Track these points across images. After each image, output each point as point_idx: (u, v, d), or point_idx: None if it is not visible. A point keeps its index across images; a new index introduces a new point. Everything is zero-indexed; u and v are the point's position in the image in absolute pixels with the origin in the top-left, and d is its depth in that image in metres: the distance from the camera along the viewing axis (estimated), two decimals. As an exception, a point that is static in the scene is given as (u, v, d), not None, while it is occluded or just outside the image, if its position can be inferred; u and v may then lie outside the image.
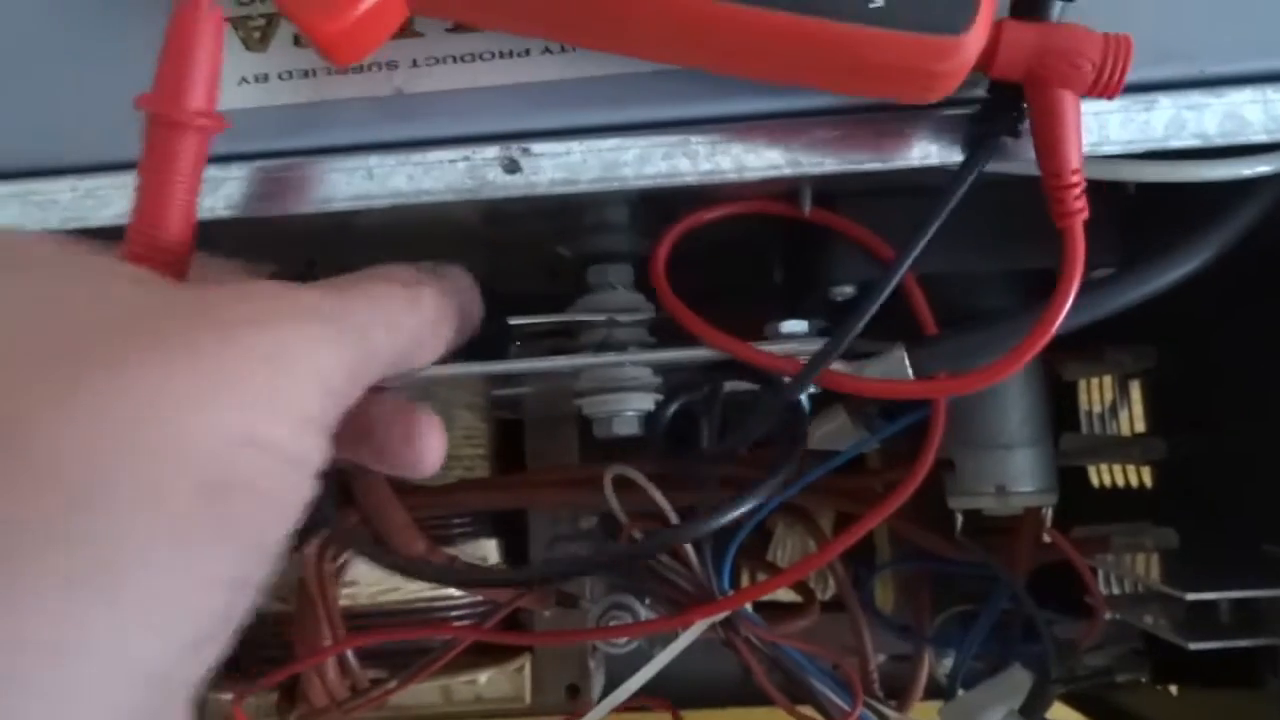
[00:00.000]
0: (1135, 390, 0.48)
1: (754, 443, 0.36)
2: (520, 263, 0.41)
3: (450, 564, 0.42)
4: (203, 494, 0.17)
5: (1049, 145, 0.23)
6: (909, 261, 0.25)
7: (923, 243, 0.24)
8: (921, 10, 0.21)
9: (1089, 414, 0.50)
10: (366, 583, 0.43)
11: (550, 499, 0.43)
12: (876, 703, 0.36)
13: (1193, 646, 0.30)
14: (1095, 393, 0.51)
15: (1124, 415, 0.49)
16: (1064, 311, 0.23)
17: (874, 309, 0.25)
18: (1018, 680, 0.33)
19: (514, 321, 0.33)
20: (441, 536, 0.44)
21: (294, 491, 0.19)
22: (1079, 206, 0.23)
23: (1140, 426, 0.46)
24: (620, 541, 0.37)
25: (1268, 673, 0.34)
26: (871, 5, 0.21)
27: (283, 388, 0.18)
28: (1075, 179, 0.22)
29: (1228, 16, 0.24)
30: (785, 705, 0.36)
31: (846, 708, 0.34)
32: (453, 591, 0.44)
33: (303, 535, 0.41)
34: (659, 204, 0.30)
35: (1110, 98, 0.22)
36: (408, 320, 0.22)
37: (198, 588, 0.17)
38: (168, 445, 0.16)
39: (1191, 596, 0.30)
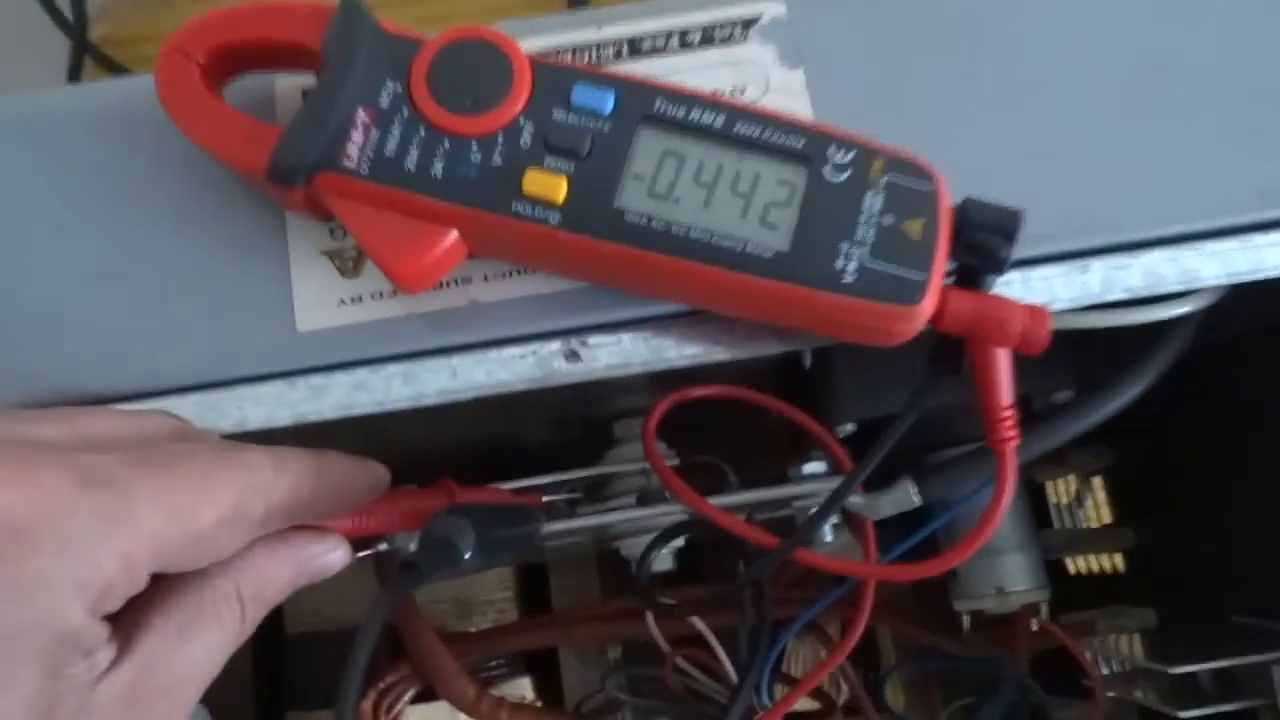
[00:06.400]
0: (1097, 482, 0.53)
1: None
2: (531, 422, 0.45)
3: (499, 707, 0.45)
4: None
5: (985, 388, 0.27)
6: (864, 473, 0.29)
7: (880, 456, 0.29)
8: (884, 285, 0.26)
9: (1057, 507, 0.56)
10: (418, 732, 0.46)
11: (586, 635, 0.47)
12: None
13: (1183, 715, 0.34)
14: (1061, 487, 0.56)
15: (1089, 505, 0.54)
16: (999, 517, 0.27)
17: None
18: (1035, 762, 0.37)
19: (557, 478, 0.37)
20: (481, 680, 0.47)
21: None
22: (1011, 435, 0.27)
23: (1106, 515, 0.51)
24: (663, 668, 0.40)
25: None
26: (843, 281, 0.26)
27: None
28: (1007, 414, 0.27)
29: (1141, 194, 0.30)
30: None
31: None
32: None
33: (360, 688, 0.44)
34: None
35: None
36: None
37: None
38: None
39: (1175, 670, 0.34)
